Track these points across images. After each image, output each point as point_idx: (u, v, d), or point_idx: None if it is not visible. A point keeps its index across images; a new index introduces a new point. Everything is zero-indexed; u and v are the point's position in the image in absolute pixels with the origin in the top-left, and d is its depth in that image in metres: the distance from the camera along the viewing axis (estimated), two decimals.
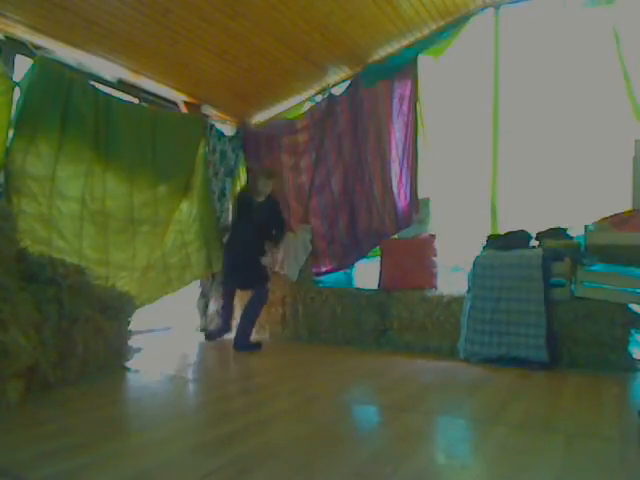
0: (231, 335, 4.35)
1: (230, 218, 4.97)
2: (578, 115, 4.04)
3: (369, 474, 1.59)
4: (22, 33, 3.50)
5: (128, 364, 3.09)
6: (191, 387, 2.98)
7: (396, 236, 4.68)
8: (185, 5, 3.57)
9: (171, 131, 4.41)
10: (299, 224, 5.11)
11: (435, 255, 4.33)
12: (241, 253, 4.20)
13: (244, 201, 4.41)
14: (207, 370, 3.52)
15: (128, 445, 1.86)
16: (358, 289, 4.59)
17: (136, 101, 4.45)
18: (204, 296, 4.99)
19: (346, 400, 2.58)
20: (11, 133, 3.28)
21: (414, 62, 4.65)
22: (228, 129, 5.36)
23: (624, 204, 3.51)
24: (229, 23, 3.86)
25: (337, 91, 5.06)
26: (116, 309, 3.05)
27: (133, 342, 3.18)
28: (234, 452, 1.76)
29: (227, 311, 4.44)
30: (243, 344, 3.99)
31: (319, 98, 5.20)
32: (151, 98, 4.63)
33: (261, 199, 4.32)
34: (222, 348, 4.17)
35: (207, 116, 4.97)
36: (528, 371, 3.22)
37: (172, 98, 4.82)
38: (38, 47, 3.59)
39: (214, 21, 3.80)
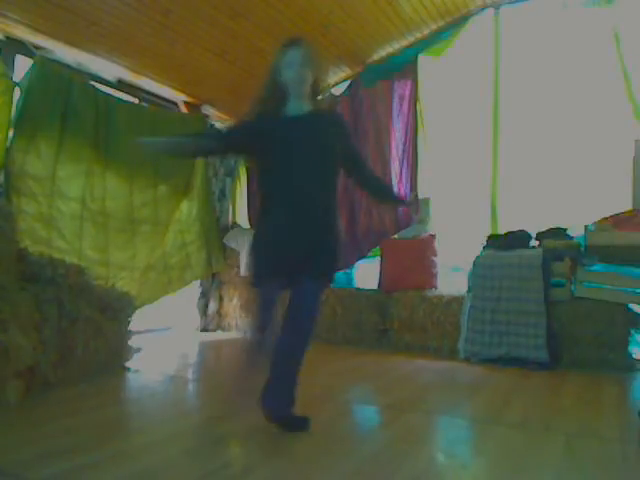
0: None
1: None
2: (578, 115, 4.04)
3: (369, 474, 1.59)
4: (22, 33, 3.49)
5: (128, 364, 3.08)
6: (191, 387, 2.98)
7: (396, 236, 4.67)
8: (185, 5, 3.57)
9: (171, 131, 4.40)
10: None
11: (435, 255, 4.32)
12: (307, 215, 2.02)
13: (270, 126, 2.03)
14: (207, 370, 3.52)
15: (128, 445, 1.86)
16: (358, 289, 4.58)
17: (136, 101, 4.44)
18: (204, 296, 4.99)
19: (347, 400, 2.58)
20: (11, 133, 3.28)
21: (414, 62, 4.65)
22: None
23: (624, 204, 3.51)
24: (229, 23, 3.86)
25: (337, 91, 5.05)
26: (116, 309, 3.04)
27: (133, 342, 3.17)
28: (234, 452, 1.76)
29: (266, 337, 2.25)
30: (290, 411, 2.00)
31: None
32: (151, 98, 4.62)
33: (309, 107, 2.11)
34: (222, 348, 4.16)
35: (207, 116, 4.97)
36: (528, 371, 3.22)
37: (172, 98, 4.81)
38: (38, 47, 3.59)
39: (214, 21, 3.80)
